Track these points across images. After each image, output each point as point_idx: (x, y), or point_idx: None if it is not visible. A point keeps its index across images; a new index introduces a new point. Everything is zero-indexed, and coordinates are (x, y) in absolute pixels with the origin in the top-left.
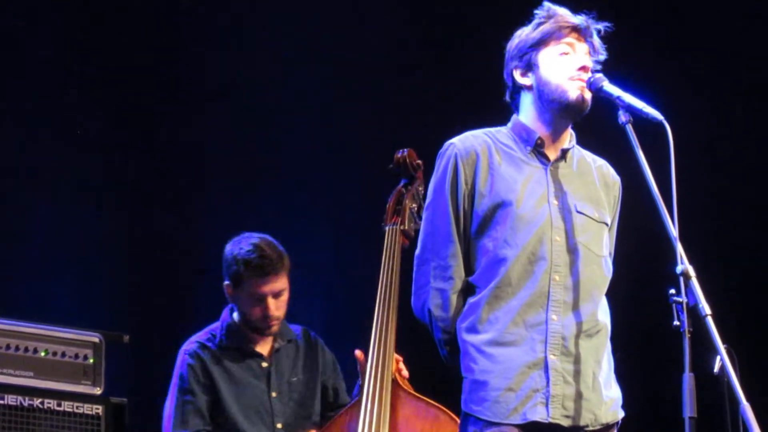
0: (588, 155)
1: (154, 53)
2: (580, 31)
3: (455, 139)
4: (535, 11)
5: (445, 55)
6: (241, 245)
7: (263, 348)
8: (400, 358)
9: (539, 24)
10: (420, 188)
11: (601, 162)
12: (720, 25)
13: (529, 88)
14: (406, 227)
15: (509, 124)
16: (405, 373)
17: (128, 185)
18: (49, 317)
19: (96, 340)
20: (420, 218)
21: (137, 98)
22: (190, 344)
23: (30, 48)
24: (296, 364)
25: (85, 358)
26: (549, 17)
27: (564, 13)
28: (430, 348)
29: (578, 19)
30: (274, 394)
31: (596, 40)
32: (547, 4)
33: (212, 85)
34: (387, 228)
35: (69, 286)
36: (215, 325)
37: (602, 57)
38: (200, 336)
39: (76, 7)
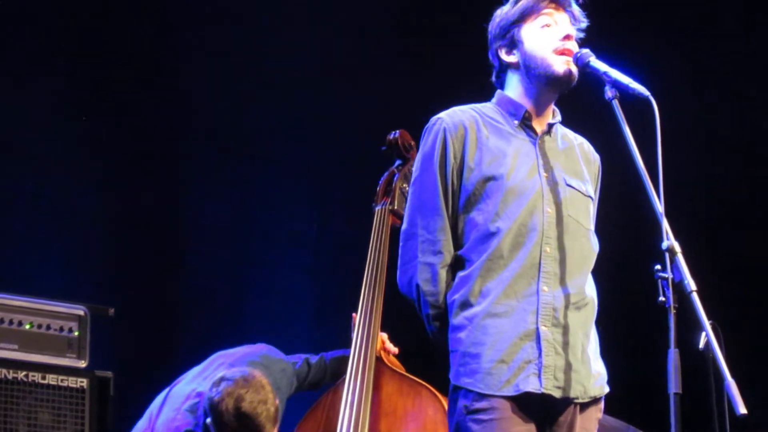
0: (569, 132)
1: (134, 30)
2: (558, 2)
3: (443, 114)
4: None
5: (437, 35)
6: (226, 404)
7: None
8: (386, 336)
9: (517, 1)
10: (412, 169)
11: (582, 139)
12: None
13: (516, 65)
14: (396, 207)
15: (494, 99)
16: (393, 349)
17: (113, 158)
18: (35, 290)
19: (81, 313)
20: None
21: (121, 72)
22: None
23: (12, 25)
24: None
25: (70, 331)
26: None
27: None
28: (419, 326)
29: None
30: None
31: (575, 8)
32: None
33: (198, 60)
34: (377, 208)
35: (54, 258)
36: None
37: (583, 24)
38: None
39: None
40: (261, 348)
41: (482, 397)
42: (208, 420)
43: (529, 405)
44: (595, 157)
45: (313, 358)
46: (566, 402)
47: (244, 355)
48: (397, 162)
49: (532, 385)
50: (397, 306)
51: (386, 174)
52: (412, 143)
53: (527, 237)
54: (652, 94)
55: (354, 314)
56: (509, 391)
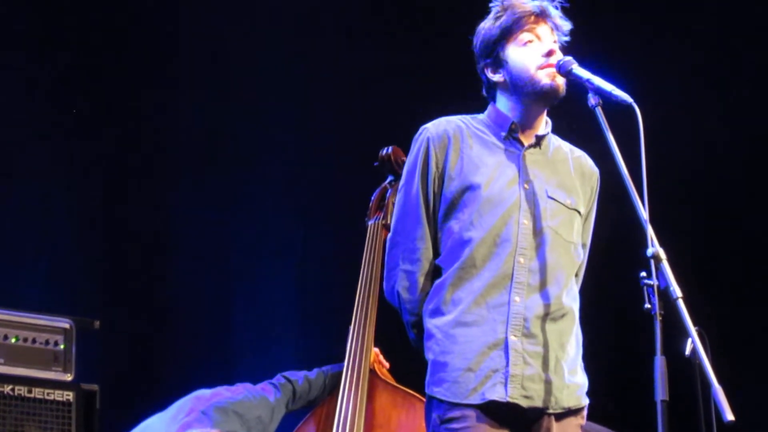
0: (566, 145)
1: (124, 39)
2: (538, 15)
3: (429, 124)
4: (491, 4)
5: (426, 48)
6: None
7: None
8: (378, 351)
9: (497, 17)
10: None
11: (580, 153)
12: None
13: (503, 84)
14: (389, 221)
15: (486, 111)
16: (386, 364)
17: (99, 171)
18: (20, 303)
19: (66, 326)
20: None
21: (109, 85)
22: None
23: None
24: None
25: (56, 344)
26: (505, 9)
27: (518, 1)
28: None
29: (533, 4)
30: None
31: (556, 17)
32: None
33: (184, 73)
34: (370, 223)
35: (39, 271)
36: None
37: (567, 28)
38: None
39: None
40: (238, 392)
41: (453, 406)
42: None
43: (499, 414)
44: (593, 170)
45: (312, 375)
46: (537, 412)
47: (218, 402)
48: (390, 178)
49: (497, 394)
50: (391, 319)
51: (379, 189)
52: (404, 158)
53: (500, 247)
54: (635, 100)
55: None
56: (475, 400)
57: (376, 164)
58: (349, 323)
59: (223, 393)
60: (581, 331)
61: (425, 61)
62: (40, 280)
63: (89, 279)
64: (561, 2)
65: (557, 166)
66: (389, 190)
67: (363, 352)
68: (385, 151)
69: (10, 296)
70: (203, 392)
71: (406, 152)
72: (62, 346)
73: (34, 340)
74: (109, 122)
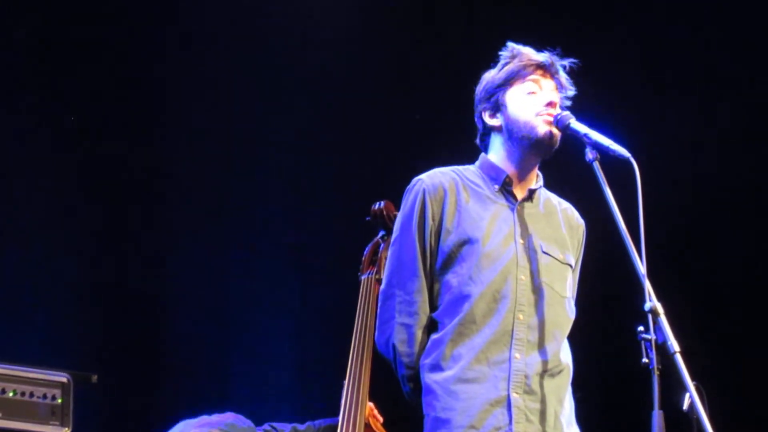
0: (554, 197)
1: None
2: (545, 68)
3: (423, 176)
4: (500, 52)
5: (422, 98)
6: None
7: None
8: (373, 406)
9: (505, 65)
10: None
11: (567, 205)
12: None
13: (499, 128)
14: (381, 276)
15: (477, 163)
16: (379, 418)
17: (95, 227)
18: (17, 357)
19: (64, 380)
20: None
21: (106, 143)
22: None
23: None
24: None
25: (54, 398)
26: (513, 57)
27: (528, 52)
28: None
29: (542, 57)
30: None
31: (562, 76)
32: (510, 44)
33: (184, 126)
34: (363, 277)
35: (37, 326)
36: None
37: (571, 92)
38: None
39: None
40: (227, 417)
41: None
42: None
43: None
44: (580, 222)
45: (301, 427)
46: None
47: (206, 423)
48: (381, 232)
49: None
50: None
51: (371, 244)
52: (396, 213)
53: (500, 303)
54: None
55: (345, 381)
56: None
57: (368, 219)
58: (344, 377)
59: (208, 418)
60: (582, 387)
61: (422, 117)
62: (38, 334)
63: (86, 333)
64: (571, 63)
65: (549, 220)
66: (381, 245)
67: (358, 406)
68: (377, 206)
69: (8, 350)
70: (188, 421)
71: (396, 201)
72: (60, 400)
73: (31, 394)
74: (107, 179)
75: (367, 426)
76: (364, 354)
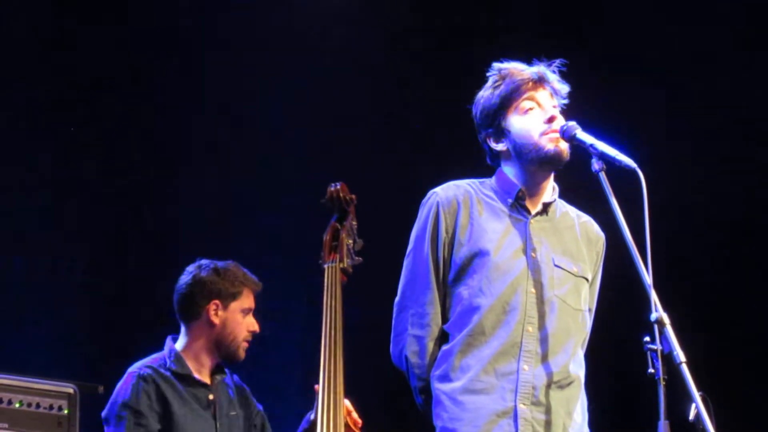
0: (572, 210)
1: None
2: (536, 81)
3: (438, 188)
4: (488, 73)
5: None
6: (216, 265)
7: (206, 379)
8: (351, 408)
9: (496, 86)
10: (354, 222)
11: (586, 218)
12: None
13: (506, 153)
14: (345, 265)
15: (493, 177)
16: (358, 421)
17: (101, 238)
18: (24, 368)
19: (70, 390)
20: (357, 255)
21: (113, 161)
22: (142, 368)
23: None
24: (231, 399)
25: (60, 409)
26: (503, 77)
27: (516, 70)
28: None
29: (531, 71)
30: (218, 425)
31: (554, 81)
32: (496, 65)
33: (186, 153)
34: (326, 266)
35: (43, 337)
36: (161, 354)
37: (565, 91)
38: (151, 361)
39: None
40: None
41: None
42: (215, 301)
43: None
44: (599, 235)
45: None
46: None
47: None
48: (336, 216)
49: None
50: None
51: (328, 229)
52: (353, 197)
53: (509, 315)
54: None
55: (316, 386)
56: None
57: (323, 200)
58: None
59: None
60: (586, 396)
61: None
62: (44, 345)
63: (92, 344)
64: (558, 66)
65: (564, 233)
66: (340, 230)
67: (336, 404)
68: (333, 187)
69: (15, 361)
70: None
71: (410, 216)
72: (66, 411)
73: (38, 405)
74: (114, 194)
75: (346, 426)
76: (335, 348)
